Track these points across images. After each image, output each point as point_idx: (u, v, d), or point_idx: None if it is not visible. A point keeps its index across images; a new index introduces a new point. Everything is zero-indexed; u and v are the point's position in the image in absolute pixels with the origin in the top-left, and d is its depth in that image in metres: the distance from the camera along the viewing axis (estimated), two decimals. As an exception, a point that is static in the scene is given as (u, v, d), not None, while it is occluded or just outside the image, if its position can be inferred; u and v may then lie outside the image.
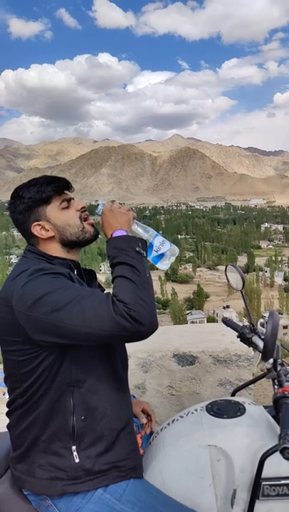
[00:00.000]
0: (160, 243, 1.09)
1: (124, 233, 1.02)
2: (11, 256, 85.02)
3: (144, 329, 0.89)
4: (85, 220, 1.11)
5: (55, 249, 1.08)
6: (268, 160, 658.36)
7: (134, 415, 1.27)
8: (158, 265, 1.10)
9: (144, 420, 1.32)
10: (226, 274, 1.44)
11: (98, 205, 1.11)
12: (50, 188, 1.06)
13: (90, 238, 1.11)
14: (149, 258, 1.06)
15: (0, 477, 1.12)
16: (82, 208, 1.11)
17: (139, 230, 1.08)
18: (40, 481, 1.00)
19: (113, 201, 1.09)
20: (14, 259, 78.26)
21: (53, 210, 1.06)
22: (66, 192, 1.10)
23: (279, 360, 1.13)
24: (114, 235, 1.01)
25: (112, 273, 0.98)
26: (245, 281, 1.34)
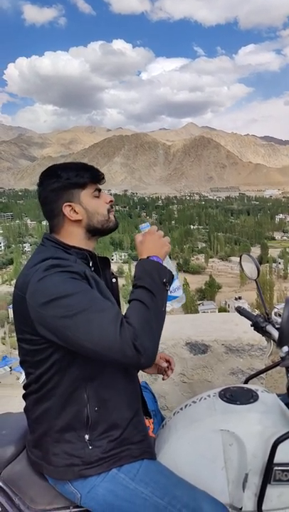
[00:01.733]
0: (177, 287, 1.13)
1: (160, 261, 1.03)
2: (24, 244, 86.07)
3: (143, 361, 0.89)
4: (109, 212, 1.15)
5: (76, 235, 1.10)
6: (285, 149, 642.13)
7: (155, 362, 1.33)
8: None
9: (165, 364, 1.37)
10: (240, 264, 1.44)
11: (144, 222, 1.17)
12: (88, 174, 1.10)
13: (112, 227, 1.15)
14: (167, 289, 1.07)
15: (18, 455, 1.16)
16: (110, 202, 1.15)
17: (169, 265, 1.09)
18: (57, 468, 1.04)
19: (157, 228, 1.12)
20: (28, 248, 79.34)
21: (86, 196, 1.10)
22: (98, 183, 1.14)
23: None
24: (150, 257, 1.03)
25: (132, 293, 0.98)
26: (260, 271, 1.34)
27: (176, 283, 1.12)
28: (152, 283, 0.97)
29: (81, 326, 0.90)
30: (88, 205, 1.10)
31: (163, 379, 1.34)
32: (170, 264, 1.10)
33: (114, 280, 1.22)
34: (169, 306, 1.12)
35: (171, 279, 1.03)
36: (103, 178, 1.15)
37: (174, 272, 1.09)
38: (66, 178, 1.08)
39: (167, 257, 1.10)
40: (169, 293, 1.06)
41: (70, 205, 1.08)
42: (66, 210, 1.08)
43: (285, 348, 1.12)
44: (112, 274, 1.23)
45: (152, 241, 1.06)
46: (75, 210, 1.08)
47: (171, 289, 1.08)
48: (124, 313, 0.94)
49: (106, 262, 1.21)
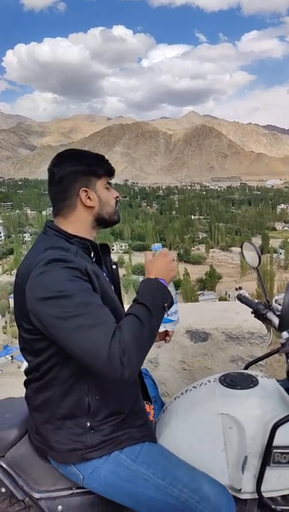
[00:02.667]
0: (174, 311, 1.16)
1: (166, 285, 1.05)
2: (24, 234, 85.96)
3: (126, 376, 0.89)
4: (116, 205, 1.21)
5: (84, 222, 1.12)
6: (287, 138, 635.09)
7: None
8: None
9: (163, 329, 1.38)
10: (241, 251, 1.45)
11: (157, 243, 1.20)
12: (106, 166, 1.15)
13: (116, 221, 1.19)
14: (165, 313, 1.11)
15: (21, 438, 1.19)
16: (117, 197, 1.19)
17: (171, 290, 1.12)
18: (60, 453, 1.06)
19: (168, 251, 1.13)
20: (28, 238, 79.24)
21: (101, 186, 1.14)
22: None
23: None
24: (156, 278, 1.05)
25: (131, 306, 1.00)
26: (261, 259, 1.35)
27: (175, 307, 1.16)
28: (153, 303, 0.99)
29: (73, 330, 0.90)
30: (102, 195, 1.13)
31: (166, 342, 1.34)
32: (172, 289, 1.12)
33: (114, 267, 1.24)
34: (162, 327, 1.15)
35: (171, 303, 1.06)
36: (114, 173, 1.20)
37: (174, 297, 1.13)
38: (88, 164, 1.11)
39: (171, 286, 1.12)
40: (166, 315, 1.09)
41: (86, 191, 1.10)
42: (82, 194, 1.09)
43: (285, 334, 1.13)
44: (112, 261, 1.25)
45: (162, 263, 1.08)
46: (89, 197, 1.10)
47: (169, 312, 1.11)
48: (118, 324, 0.94)
49: (106, 248, 1.23)
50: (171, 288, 1.11)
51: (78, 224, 1.11)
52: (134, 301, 1.01)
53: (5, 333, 37.48)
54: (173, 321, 1.16)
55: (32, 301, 0.96)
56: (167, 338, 1.28)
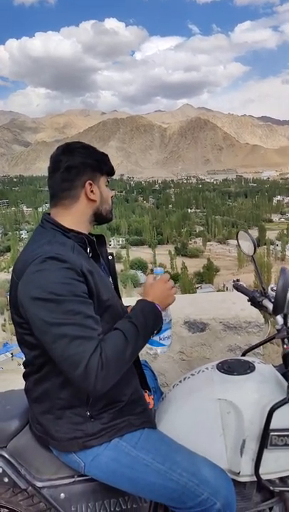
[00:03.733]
0: (167, 336, 1.16)
1: (161, 312, 1.08)
2: (21, 232, 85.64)
3: (98, 389, 0.92)
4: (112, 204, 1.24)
5: (83, 215, 1.12)
6: (282, 129, 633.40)
7: None
8: (148, 346, 1.15)
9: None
10: (237, 240, 1.45)
11: (160, 267, 1.24)
12: (110, 164, 1.18)
13: (110, 219, 1.21)
14: (152, 337, 1.13)
15: (22, 428, 1.20)
16: (112, 197, 1.22)
17: (168, 315, 1.15)
18: (61, 442, 1.08)
19: (169, 278, 1.15)
20: (25, 235, 78.92)
21: (103, 183, 1.17)
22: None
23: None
24: (153, 302, 1.08)
25: (120, 322, 1.02)
26: (256, 247, 1.36)
27: (168, 332, 1.17)
28: (144, 326, 1.02)
29: (57, 338, 0.92)
30: (103, 191, 1.16)
31: None
32: (168, 314, 1.15)
33: (110, 257, 1.26)
34: (154, 349, 1.17)
35: (160, 330, 1.11)
36: (114, 173, 1.24)
37: (169, 322, 1.16)
38: (96, 159, 1.13)
39: (169, 307, 1.16)
40: (158, 339, 1.13)
41: (91, 184, 1.11)
42: (88, 186, 1.10)
43: (280, 320, 1.15)
44: (107, 251, 1.26)
45: (161, 289, 1.11)
46: (92, 191, 1.12)
47: (162, 336, 1.14)
48: (104, 337, 0.96)
49: (102, 239, 1.24)
50: (167, 313, 1.14)
51: (77, 216, 1.11)
52: (126, 317, 1.03)
53: (4, 330, 37.52)
54: (165, 345, 1.16)
55: (23, 297, 0.97)
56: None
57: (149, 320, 1.04)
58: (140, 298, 1.15)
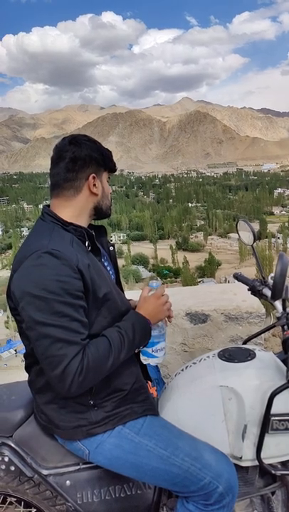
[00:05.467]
0: (160, 349, 1.17)
1: (150, 327, 1.11)
2: (22, 229, 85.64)
3: (72, 392, 0.95)
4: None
5: (84, 208, 1.12)
6: (282, 121, 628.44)
7: None
8: (142, 356, 1.18)
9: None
10: (236, 230, 1.45)
11: (157, 280, 1.26)
12: (113, 162, 1.19)
13: (109, 215, 1.21)
14: (145, 348, 1.15)
15: (27, 418, 1.22)
16: (111, 193, 1.23)
17: (157, 330, 1.16)
18: (65, 430, 1.09)
19: (163, 293, 1.17)
20: (26, 232, 78.89)
21: (105, 178, 1.18)
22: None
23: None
24: (146, 317, 1.10)
25: (109, 329, 1.04)
26: (256, 236, 1.37)
27: (163, 344, 1.18)
28: (131, 338, 1.04)
29: (41, 337, 0.94)
30: (105, 186, 1.17)
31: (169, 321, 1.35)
32: (162, 328, 1.18)
33: (111, 248, 1.26)
34: (146, 359, 1.18)
35: (145, 345, 1.13)
36: (116, 171, 1.25)
37: (163, 334, 1.18)
38: (102, 154, 1.13)
39: (162, 323, 1.18)
40: (150, 350, 1.15)
41: (95, 177, 1.12)
42: (91, 179, 1.11)
43: (279, 308, 1.16)
44: (109, 242, 1.27)
45: (153, 305, 1.13)
46: (95, 184, 1.12)
47: (154, 348, 1.16)
48: (90, 342, 0.98)
49: (102, 230, 1.25)
50: (162, 326, 1.17)
51: (78, 209, 1.11)
52: (116, 325, 1.06)
53: (7, 327, 37.69)
54: (157, 357, 1.17)
55: (16, 289, 0.99)
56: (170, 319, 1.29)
57: (138, 335, 1.06)
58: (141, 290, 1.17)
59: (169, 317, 1.26)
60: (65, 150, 1.09)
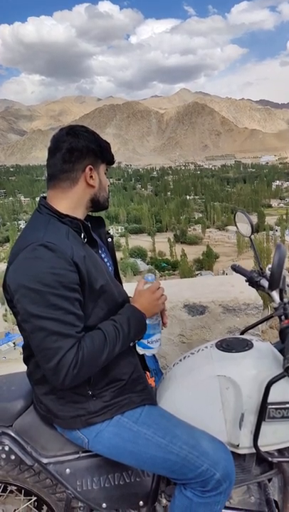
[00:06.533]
0: (156, 340, 1.19)
1: (145, 321, 1.12)
2: (19, 222, 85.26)
3: (66, 384, 0.96)
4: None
5: (80, 199, 1.11)
6: (281, 113, 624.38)
7: None
8: (137, 347, 1.19)
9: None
10: (234, 221, 1.45)
11: (151, 274, 1.25)
12: (111, 154, 1.18)
13: (106, 207, 1.21)
14: (141, 340, 1.16)
15: (27, 408, 1.24)
16: (108, 186, 1.23)
17: (151, 321, 1.17)
18: (64, 420, 1.11)
19: (158, 286, 1.17)
20: (23, 225, 78.50)
21: (102, 170, 1.17)
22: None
23: (286, 300, 1.18)
24: (141, 311, 1.11)
25: (104, 322, 1.05)
26: (254, 228, 1.37)
27: (158, 336, 1.19)
28: (126, 332, 1.05)
29: (36, 330, 0.95)
30: (102, 179, 1.16)
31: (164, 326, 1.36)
32: (157, 320, 1.19)
33: (109, 240, 1.26)
34: (142, 350, 1.19)
35: (140, 338, 1.14)
36: (114, 163, 1.23)
37: (158, 325, 1.19)
38: (100, 146, 1.12)
39: (158, 315, 1.19)
40: (146, 342, 1.17)
41: (91, 169, 1.11)
42: (88, 171, 1.10)
43: (276, 298, 1.17)
44: (108, 233, 1.27)
45: (148, 299, 1.13)
46: (92, 176, 1.11)
47: (150, 340, 1.17)
48: (85, 335, 0.99)
49: (99, 221, 1.25)
50: (156, 319, 1.18)
51: (74, 201, 1.10)
52: (112, 319, 1.06)
53: (6, 320, 37.79)
54: (152, 348, 1.19)
55: (11, 281, 0.99)
56: (165, 319, 1.28)
57: (133, 329, 1.07)
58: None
59: (163, 311, 1.27)
60: (62, 140, 1.08)
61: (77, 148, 1.08)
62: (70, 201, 1.10)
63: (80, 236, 1.08)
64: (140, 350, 1.19)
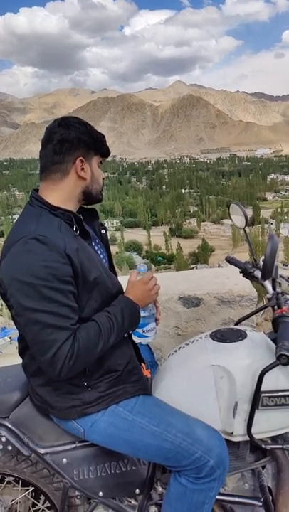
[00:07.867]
0: (151, 329, 1.22)
1: (139, 312, 1.13)
2: (14, 216, 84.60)
3: (62, 375, 0.97)
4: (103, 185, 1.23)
5: (72, 192, 1.11)
6: (276, 106, 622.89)
7: None
8: (133, 336, 1.21)
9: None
10: (229, 213, 1.46)
11: (143, 265, 1.26)
12: (106, 146, 1.17)
13: (100, 200, 1.20)
14: (136, 329, 1.19)
15: (23, 399, 1.25)
16: (103, 179, 1.21)
17: (146, 312, 1.19)
18: (60, 410, 1.12)
19: (151, 276, 1.18)
20: (18, 219, 77.76)
21: (95, 162, 1.15)
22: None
23: (278, 290, 1.19)
24: (135, 302, 1.12)
25: (98, 314, 1.05)
26: (248, 219, 1.38)
27: (152, 325, 1.22)
28: (120, 323, 1.06)
29: (30, 323, 0.95)
30: (94, 171, 1.14)
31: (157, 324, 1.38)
32: (151, 309, 1.21)
33: (103, 231, 1.26)
34: (138, 339, 1.22)
35: (135, 329, 1.16)
36: (109, 156, 1.22)
37: (152, 315, 1.21)
38: (92, 137, 1.11)
39: (152, 304, 1.21)
40: (141, 331, 1.19)
41: (82, 161, 1.09)
42: (78, 163, 1.08)
43: (269, 288, 1.19)
44: (101, 224, 1.26)
45: (140, 290, 1.14)
46: (83, 168, 1.10)
47: (145, 329, 1.20)
48: (80, 327, 0.99)
49: (93, 213, 1.24)
50: (151, 309, 1.20)
51: (65, 193, 1.10)
52: (106, 310, 1.07)
53: (1, 315, 37.71)
54: (147, 337, 1.21)
55: (4, 276, 0.99)
56: (158, 315, 1.30)
57: (127, 320, 1.08)
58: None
59: (156, 303, 1.27)
60: (54, 132, 1.07)
61: (68, 139, 1.06)
62: (62, 193, 1.09)
63: (73, 228, 1.07)
64: (136, 339, 1.21)
